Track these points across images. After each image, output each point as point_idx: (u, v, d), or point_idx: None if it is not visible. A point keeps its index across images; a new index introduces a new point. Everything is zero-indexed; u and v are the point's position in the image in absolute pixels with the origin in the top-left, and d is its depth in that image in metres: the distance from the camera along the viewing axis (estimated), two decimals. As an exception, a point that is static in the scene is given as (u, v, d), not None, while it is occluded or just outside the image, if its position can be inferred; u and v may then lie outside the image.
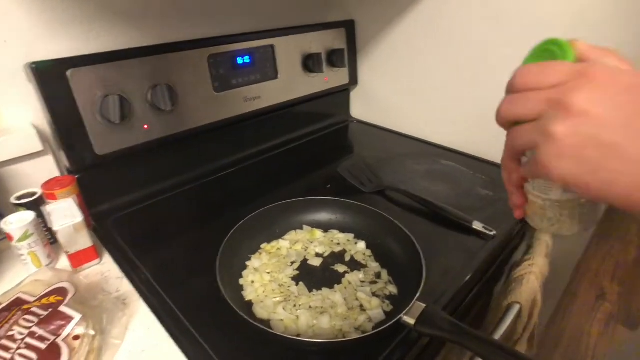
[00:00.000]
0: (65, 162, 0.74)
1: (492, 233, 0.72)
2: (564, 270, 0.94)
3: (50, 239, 0.69)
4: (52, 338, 0.48)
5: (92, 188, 0.76)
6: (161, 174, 0.87)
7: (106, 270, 0.66)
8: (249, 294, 0.61)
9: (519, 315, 0.71)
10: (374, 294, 0.61)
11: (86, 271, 0.66)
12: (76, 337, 0.50)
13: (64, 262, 0.68)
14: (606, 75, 0.25)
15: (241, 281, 0.64)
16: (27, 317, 0.50)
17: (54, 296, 0.53)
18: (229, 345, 0.53)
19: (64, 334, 0.49)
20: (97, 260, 0.68)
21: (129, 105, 0.73)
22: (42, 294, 0.54)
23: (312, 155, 1.07)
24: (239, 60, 0.88)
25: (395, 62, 1.09)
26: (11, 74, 0.70)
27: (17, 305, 0.52)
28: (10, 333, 0.48)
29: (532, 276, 0.75)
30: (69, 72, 0.68)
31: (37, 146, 0.73)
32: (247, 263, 0.67)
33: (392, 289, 0.62)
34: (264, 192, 0.87)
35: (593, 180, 0.25)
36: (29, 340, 0.48)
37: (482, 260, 0.68)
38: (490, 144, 0.96)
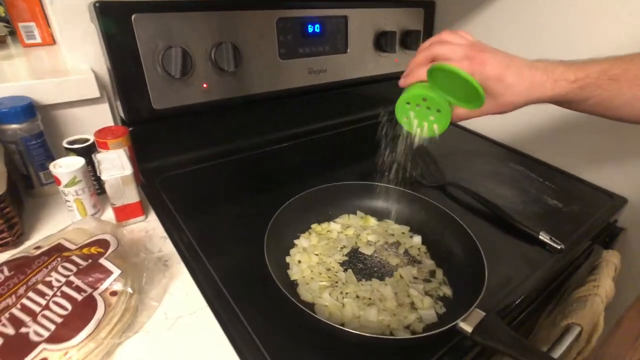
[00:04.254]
0: (121, 112, 0.72)
1: (559, 247, 0.64)
2: (626, 297, 0.84)
3: (97, 189, 0.66)
4: (89, 290, 0.45)
5: (145, 143, 0.73)
6: (215, 138, 0.83)
7: (150, 229, 0.63)
8: (294, 274, 0.57)
9: (577, 338, 0.63)
10: (426, 293, 0.55)
11: (130, 226, 0.63)
12: (113, 293, 0.46)
13: (109, 215, 0.66)
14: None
15: (287, 259, 0.59)
16: (66, 264, 0.47)
17: (95, 247, 0.50)
18: (267, 323, 0.48)
19: (102, 287, 0.46)
20: (142, 217, 0.64)
21: (191, 60, 0.69)
22: (84, 243, 0.51)
23: (372, 139, 1.00)
24: (309, 28, 0.82)
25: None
26: (76, 13, 0.67)
27: (58, 251, 0.49)
28: (48, 279, 0.45)
29: (597, 298, 0.67)
30: (134, 17, 0.65)
31: (94, 92, 0.71)
32: (296, 242, 0.62)
33: (447, 291, 0.56)
34: (318, 171, 0.82)
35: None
36: (65, 289, 0.44)
37: (547, 274, 0.62)
38: (564, 151, 0.87)
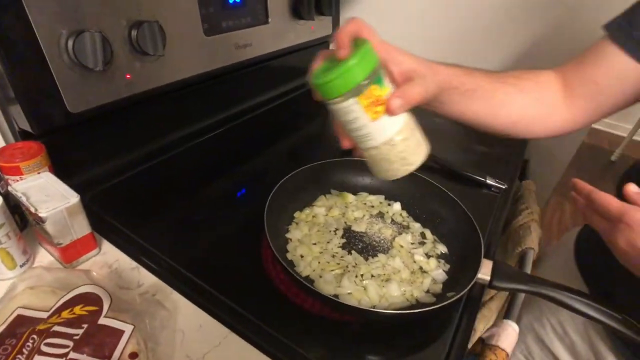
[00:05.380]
0: (19, 123, 0.54)
1: (504, 186, 0.75)
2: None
3: (20, 226, 0.50)
4: (103, 362, 0.35)
5: (62, 156, 0.57)
6: (146, 136, 0.71)
7: (113, 261, 0.51)
8: (303, 270, 0.53)
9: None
10: (427, 255, 0.58)
11: (84, 265, 0.50)
12: (133, 355, 0.37)
13: (42, 257, 0.51)
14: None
15: (289, 256, 0.55)
16: (51, 340, 0.36)
17: (80, 306, 0.39)
18: (303, 331, 0.46)
19: (117, 353, 0.36)
20: (95, 250, 0.52)
21: (110, 47, 0.55)
22: (57, 305, 0.39)
23: (300, 112, 0.97)
24: (229, -3, 0.72)
25: (381, 12, 1.02)
26: None
27: (24, 325, 0.37)
28: (33, 366, 0.34)
29: (534, 223, 0.80)
30: (22, -9, 0.48)
31: (-31, 100, 0.52)
32: (288, 236, 0.58)
33: (442, 248, 0.60)
34: (263, 152, 0.78)
35: None
36: (71, 371, 0.34)
37: (502, 211, 0.71)
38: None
